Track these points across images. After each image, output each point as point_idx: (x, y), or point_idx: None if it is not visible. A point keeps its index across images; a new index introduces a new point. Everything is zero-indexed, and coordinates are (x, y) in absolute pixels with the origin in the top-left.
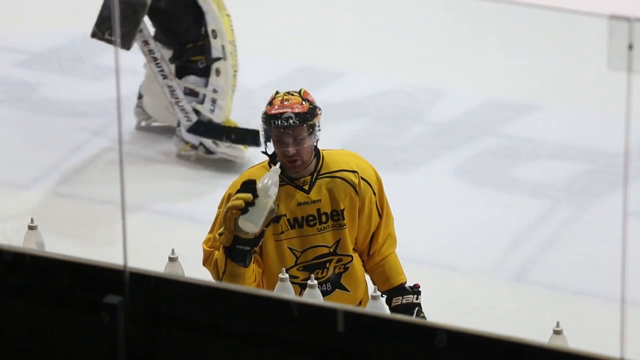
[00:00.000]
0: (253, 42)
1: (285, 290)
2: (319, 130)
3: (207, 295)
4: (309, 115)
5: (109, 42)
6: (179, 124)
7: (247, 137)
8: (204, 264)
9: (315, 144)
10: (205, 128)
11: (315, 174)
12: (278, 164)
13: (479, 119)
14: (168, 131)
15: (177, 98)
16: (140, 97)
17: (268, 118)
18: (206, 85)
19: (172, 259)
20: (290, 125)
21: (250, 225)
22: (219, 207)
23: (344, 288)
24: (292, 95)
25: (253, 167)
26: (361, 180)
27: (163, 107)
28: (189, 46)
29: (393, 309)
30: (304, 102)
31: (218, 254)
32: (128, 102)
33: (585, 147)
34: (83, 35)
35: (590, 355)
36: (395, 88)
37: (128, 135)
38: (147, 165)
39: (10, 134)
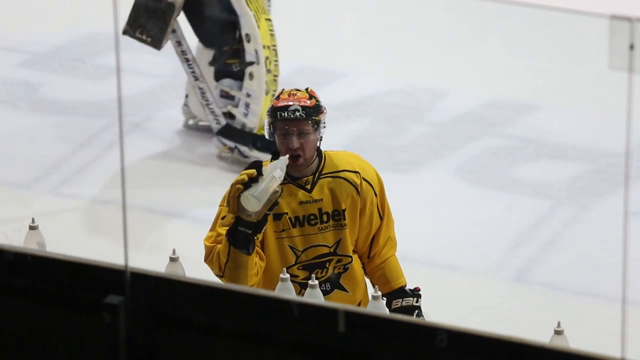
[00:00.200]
0: None
1: (286, 290)
2: (324, 127)
3: (208, 295)
4: (315, 111)
5: (140, 40)
6: None
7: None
8: (205, 260)
9: (318, 142)
10: (232, 132)
11: (317, 174)
12: (287, 155)
13: (480, 119)
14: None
15: (207, 100)
16: (186, 95)
17: (274, 110)
18: (241, 89)
19: (173, 259)
20: (296, 118)
21: (252, 201)
22: (220, 205)
23: (343, 288)
24: (299, 91)
25: None
26: (363, 181)
27: None
28: (225, 49)
29: (393, 312)
30: (311, 98)
31: (220, 247)
32: (129, 102)
33: (586, 147)
34: (84, 36)
35: (591, 355)
36: (397, 88)
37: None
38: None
39: (11, 134)
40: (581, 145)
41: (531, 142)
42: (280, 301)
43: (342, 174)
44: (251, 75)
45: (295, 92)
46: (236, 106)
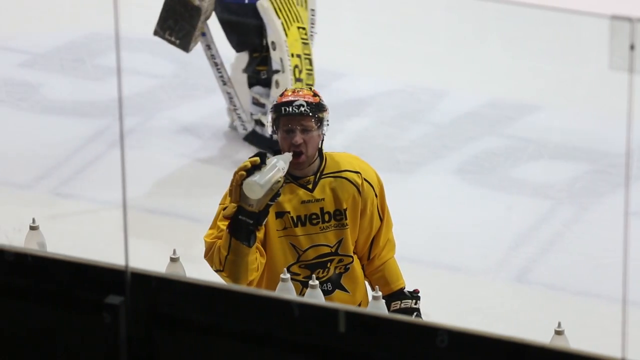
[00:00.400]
0: None
1: (286, 291)
2: (327, 125)
3: (208, 296)
4: (319, 108)
5: (169, 42)
6: None
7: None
8: (205, 256)
9: (321, 142)
10: (257, 139)
11: (318, 174)
12: (290, 153)
13: (481, 119)
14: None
15: (235, 105)
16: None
17: (279, 106)
18: (269, 96)
19: (173, 259)
20: (301, 114)
21: (254, 187)
22: (220, 203)
23: (343, 289)
24: (303, 89)
25: None
26: (364, 181)
27: None
28: (255, 55)
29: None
30: (315, 96)
31: (220, 241)
32: (129, 102)
33: (587, 147)
34: (84, 36)
35: (592, 355)
36: (397, 88)
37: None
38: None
39: (12, 134)
40: (582, 145)
41: (532, 142)
42: (280, 301)
43: (343, 174)
44: (277, 83)
45: (299, 90)
46: (265, 114)
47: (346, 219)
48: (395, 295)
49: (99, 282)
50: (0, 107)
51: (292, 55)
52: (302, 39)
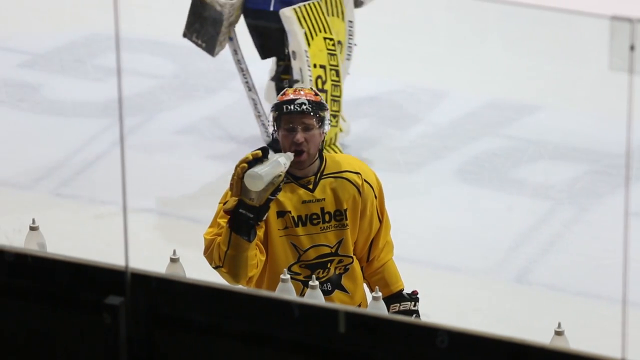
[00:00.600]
0: None
1: (286, 291)
2: (328, 124)
3: (208, 296)
4: (320, 107)
5: (197, 44)
6: None
7: None
8: (205, 253)
9: (322, 141)
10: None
11: (319, 174)
12: (293, 153)
13: (481, 119)
14: None
15: (259, 112)
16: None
17: (280, 104)
18: None
19: (173, 260)
20: (303, 111)
21: (256, 178)
22: (220, 202)
23: (343, 289)
24: (304, 88)
25: None
26: (364, 182)
27: None
28: (280, 64)
29: None
30: (316, 95)
31: (220, 238)
32: (130, 103)
33: (587, 148)
34: (84, 36)
35: (592, 356)
36: (397, 88)
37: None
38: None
39: (12, 135)
40: (582, 146)
41: (532, 142)
42: (280, 302)
43: (344, 175)
44: None
45: (300, 89)
46: None
47: (346, 220)
48: (394, 298)
49: (99, 282)
50: (1, 107)
51: (315, 65)
52: (329, 49)
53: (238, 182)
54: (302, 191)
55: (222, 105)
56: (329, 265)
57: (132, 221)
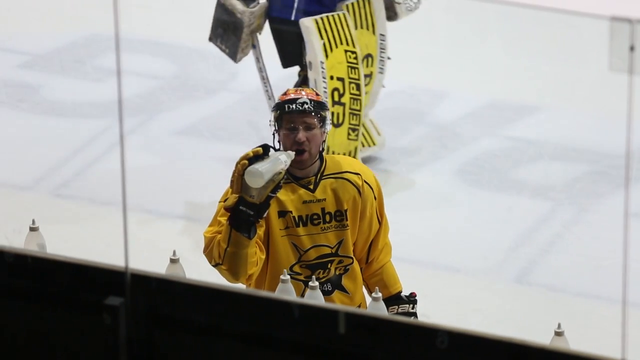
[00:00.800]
0: None
1: (286, 292)
2: (329, 124)
3: (208, 297)
4: (321, 106)
5: (221, 49)
6: None
7: None
8: (205, 251)
9: (322, 141)
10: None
11: (319, 175)
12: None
13: (481, 120)
14: None
15: None
16: None
17: (282, 104)
18: None
19: (173, 261)
20: (304, 110)
21: (256, 175)
22: (220, 201)
23: (343, 290)
24: (305, 88)
25: None
26: (364, 183)
27: None
28: (300, 73)
29: None
30: (317, 95)
31: (220, 236)
32: (129, 103)
33: (587, 148)
34: (84, 37)
35: (592, 356)
36: (397, 89)
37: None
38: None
39: (12, 135)
40: (581, 146)
41: (532, 143)
42: (280, 302)
43: (344, 175)
44: None
45: (301, 88)
46: None
47: (347, 220)
48: (392, 300)
49: (99, 283)
50: (0, 108)
51: (332, 77)
52: (350, 62)
53: (238, 179)
54: (302, 191)
55: (222, 105)
56: (329, 266)
57: (132, 222)
